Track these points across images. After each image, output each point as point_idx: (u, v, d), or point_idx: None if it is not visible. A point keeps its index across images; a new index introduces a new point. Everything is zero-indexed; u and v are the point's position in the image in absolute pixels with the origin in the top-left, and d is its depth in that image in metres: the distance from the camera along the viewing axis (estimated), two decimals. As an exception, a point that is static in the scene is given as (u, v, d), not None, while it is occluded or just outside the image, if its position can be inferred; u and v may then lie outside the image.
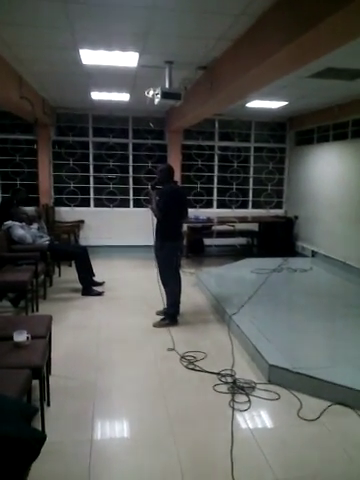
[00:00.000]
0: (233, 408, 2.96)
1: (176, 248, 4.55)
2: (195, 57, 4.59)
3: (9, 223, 5.59)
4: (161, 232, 4.48)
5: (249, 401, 3.06)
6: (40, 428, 2.57)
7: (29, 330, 2.86)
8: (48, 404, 2.92)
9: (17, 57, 4.74)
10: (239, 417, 2.88)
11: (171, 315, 4.56)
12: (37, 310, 4.87)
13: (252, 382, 3.29)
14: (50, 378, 3.06)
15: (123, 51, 4.43)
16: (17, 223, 5.64)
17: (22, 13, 3.49)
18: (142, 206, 8.78)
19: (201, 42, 4.12)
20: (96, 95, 6.88)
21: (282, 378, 3.26)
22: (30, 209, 6.62)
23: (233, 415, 2.88)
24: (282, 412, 2.98)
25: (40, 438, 1.86)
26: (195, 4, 3.23)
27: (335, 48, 3.06)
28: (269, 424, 2.89)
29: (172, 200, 4.44)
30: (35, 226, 6.00)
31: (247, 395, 3.13)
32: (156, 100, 4.74)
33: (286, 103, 7.13)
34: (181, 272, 4.72)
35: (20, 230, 5.58)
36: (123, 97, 6.96)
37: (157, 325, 4.49)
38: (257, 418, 2.89)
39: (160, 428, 2.75)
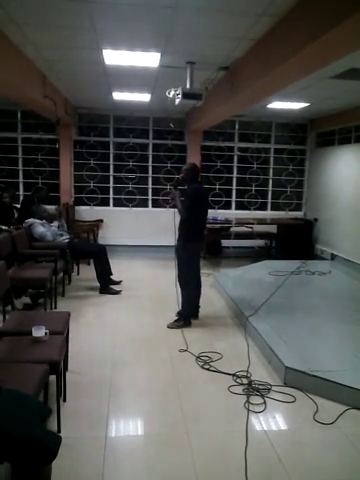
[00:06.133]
0: (248, 409, 2.95)
1: (198, 249, 4.58)
2: (217, 57, 4.59)
3: (30, 221, 5.70)
4: (184, 232, 4.42)
5: (264, 403, 3.04)
6: (56, 423, 2.61)
7: (47, 326, 2.90)
8: (64, 400, 2.96)
9: (42, 57, 4.82)
10: (254, 419, 2.86)
11: (185, 316, 4.55)
12: (55, 307, 4.93)
13: (268, 384, 3.27)
14: (66, 374, 3.10)
15: (145, 51, 4.46)
16: (38, 221, 5.74)
17: (47, 14, 3.57)
18: (160, 206, 8.83)
19: (223, 42, 4.11)
20: (118, 95, 6.94)
21: (298, 381, 3.22)
22: (51, 207, 6.71)
23: (248, 416, 2.86)
24: (298, 415, 2.95)
25: (57, 440, 1.88)
26: (217, 4, 3.23)
27: (358, 48, 3.03)
28: (284, 426, 2.87)
29: (198, 200, 4.42)
30: (55, 224, 6.10)
31: (262, 397, 3.11)
32: (177, 100, 4.76)
33: (308, 104, 7.06)
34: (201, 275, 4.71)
35: (41, 228, 5.67)
36: (144, 98, 7.00)
37: (171, 326, 4.48)
38: (272, 420, 2.87)
39: (174, 427, 2.75)
